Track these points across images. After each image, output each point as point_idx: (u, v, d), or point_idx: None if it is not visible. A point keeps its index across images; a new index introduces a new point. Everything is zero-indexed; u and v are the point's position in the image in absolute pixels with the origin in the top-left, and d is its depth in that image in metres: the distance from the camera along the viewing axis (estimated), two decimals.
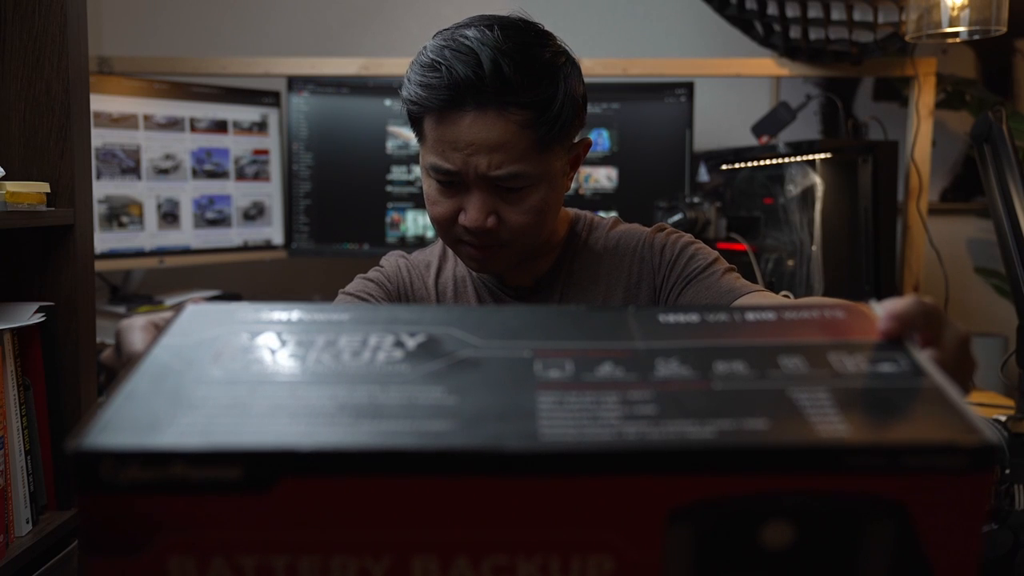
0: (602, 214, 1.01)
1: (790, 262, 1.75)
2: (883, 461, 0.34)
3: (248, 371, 0.39)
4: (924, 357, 0.41)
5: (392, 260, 0.97)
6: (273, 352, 0.41)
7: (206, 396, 0.37)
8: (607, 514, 0.34)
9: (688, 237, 0.93)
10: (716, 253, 0.91)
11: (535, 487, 0.33)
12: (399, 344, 0.42)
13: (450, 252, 0.97)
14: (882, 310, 0.44)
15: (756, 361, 0.40)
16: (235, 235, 2.09)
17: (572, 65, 0.83)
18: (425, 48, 0.81)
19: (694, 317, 0.45)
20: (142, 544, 0.34)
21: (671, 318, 0.45)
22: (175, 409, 0.36)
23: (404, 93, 0.82)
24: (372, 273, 0.95)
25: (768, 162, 1.84)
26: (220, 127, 2.05)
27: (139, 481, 0.33)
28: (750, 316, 0.45)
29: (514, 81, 0.77)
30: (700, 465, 0.34)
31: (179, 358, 0.40)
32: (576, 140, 0.88)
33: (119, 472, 0.33)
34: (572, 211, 0.98)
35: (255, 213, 2.12)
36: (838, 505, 0.34)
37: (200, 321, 0.44)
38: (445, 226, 0.85)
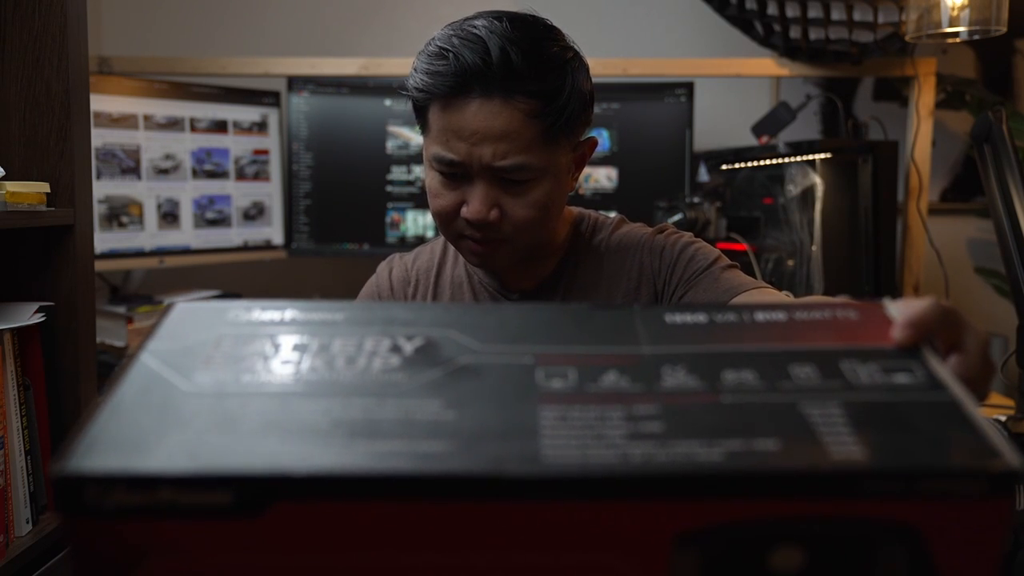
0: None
1: (790, 262, 1.75)
2: (898, 486, 0.32)
3: (239, 381, 0.38)
4: (941, 367, 0.39)
5: (384, 274, 0.99)
6: (265, 359, 0.39)
7: (195, 411, 0.35)
8: (611, 538, 0.33)
9: (688, 237, 0.92)
10: (717, 251, 0.90)
11: (536, 511, 0.32)
12: (396, 349, 0.40)
13: (450, 254, 0.97)
14: (898, 315, 0.42)
15: (766, 370, 0.39)
16: (235, 235, 2.09)
17: (580, 61, 0.83)
18: (433, 38, 0.81)
19: (702, 318, 0.43)
20: (131, 568, 0.33)
21: (678, 318, 0.43)
22: (162, 426, 0.34)
23: (410, 82, 0.82)
24: (368, 289, 0.97)
25: (768, 162, 1.84)
26: (220, 127, 2.05)
27: (125, 505, 0.32)
28: (760, 317, 0.43)
29: (521, 69, 0.76)
30: (708, 489, 0.33)
31: (167, 365, 0.38)
32: (582, 138, 0.87)
33: (104, 497, 0.32)
34: (576, 210, 0.97)
35: (255, 213, 2.12)
36: (850, 530, 0.33)
37: (189, 322, 0.42)
38: (447, 220, 0.84)
